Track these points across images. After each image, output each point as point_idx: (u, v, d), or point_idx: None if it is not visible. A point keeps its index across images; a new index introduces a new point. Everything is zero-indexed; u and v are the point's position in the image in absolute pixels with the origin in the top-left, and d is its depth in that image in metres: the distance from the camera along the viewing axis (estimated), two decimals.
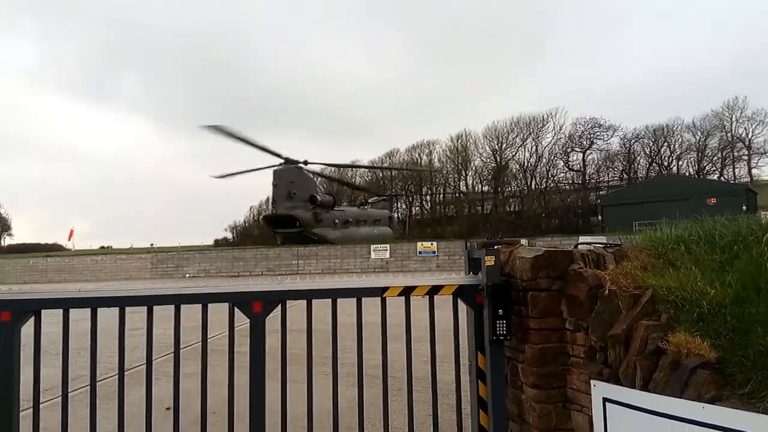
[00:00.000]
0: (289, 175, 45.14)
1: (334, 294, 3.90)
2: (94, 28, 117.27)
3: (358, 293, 3.90)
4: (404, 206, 76.64)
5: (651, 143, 66.82)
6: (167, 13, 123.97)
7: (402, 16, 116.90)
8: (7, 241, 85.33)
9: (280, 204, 44.59)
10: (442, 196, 75.61)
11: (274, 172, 45.24)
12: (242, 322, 3.75)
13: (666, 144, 66.25)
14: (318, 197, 46.39)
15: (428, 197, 76.99)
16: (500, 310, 3.64)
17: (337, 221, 47.73)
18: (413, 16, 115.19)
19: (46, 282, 39.44)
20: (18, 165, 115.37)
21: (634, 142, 67.26)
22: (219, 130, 39.61)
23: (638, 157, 68.37)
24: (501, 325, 3.63)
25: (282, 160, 45.39)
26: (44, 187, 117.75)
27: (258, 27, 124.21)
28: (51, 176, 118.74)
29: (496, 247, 3.98)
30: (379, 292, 3.88)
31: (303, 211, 44.53)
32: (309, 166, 47.73)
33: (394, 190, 71.80)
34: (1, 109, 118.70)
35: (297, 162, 46.16)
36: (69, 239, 56.76)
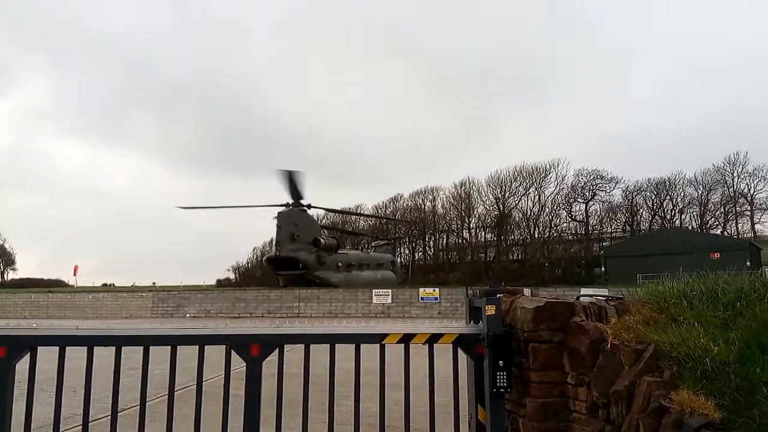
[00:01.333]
0: (293, 218, 45.35)
1: (332, 339, 3.86)
2: (103, 67, 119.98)
3: (357, 339, 3.86)
4: (407, 251, 76.56)
5: (653, 196, 67.05)
6: (179, 53, 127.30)
7: (412, 63, 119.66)
8: (11, 275, 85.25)
9: (284, 246, 44.61)
10: (445, 242, 75.60)
11: (279, 214, 45.49)
12: (239, 365, 3.70)
13: (668, 197, 66.47)
14: (321, 240, 46.44)
15: (431, 243, 76.98)
16: (501, 362, 3.59)
17: (340, 264, 47.60)
18: (418, 62, 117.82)
19: (46, 318, 39.14)
20: (23, 200, 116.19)
21: (636, 195, 67.53)
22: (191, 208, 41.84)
23: (641, 210, 68.51)
24: (501, 377, 3.57)
25: (288, 205, 45.80)
26: (49, 223, 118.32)
27: (268, 68, 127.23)
28: (56, 212, 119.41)
29: (497, 296, 3.96)
30: (378, 338, 3.84)
31: (306, 253, 44.50)
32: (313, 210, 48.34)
33: (397, 235, 71.89)
34: (9, 144, 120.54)
35: (301, 205, 46.46)
36: (74, 275, 56.70)
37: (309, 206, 47.18)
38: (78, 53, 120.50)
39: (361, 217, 76.44)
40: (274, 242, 48.66)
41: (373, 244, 61.94)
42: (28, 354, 3.63)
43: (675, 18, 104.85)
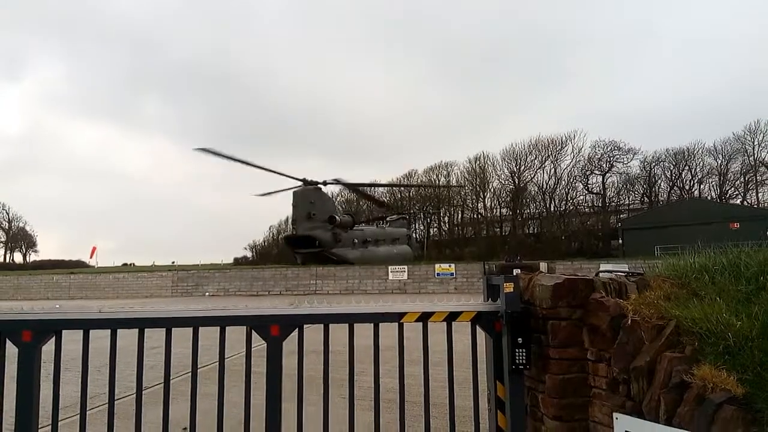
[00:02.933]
0: (309, 196, 45.51)
1: (351, 319, 3.88)
2: (120, 51, 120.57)
3: (376, 318, 3.88)
4: (422, 227, 76.48)
5: (672, 167, 66.00)
6: (192, 36, 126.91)
7: (423, 37, 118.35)
8: (33, 257, 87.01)
9: (300, 224, 44.88)
10: (460, 217, 75.35)
11: (294, 193, 45.69)
12: (259, 341, 3.76)
13: (687, 167, 65.41)
14: (337, 218, 46.60)
15: (446, 218, 76.82)
16: (520, 339, 3.59)
17: (356, 241, 47.83)
18: (434, 37, 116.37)
19: (68, 299, 39.95)
20: (45, 183, 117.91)
21: (654, 166, 66.52)
22: (209, 151, 41.09)
23: (659, 181, 67.57)
24: (520, 354, 3.58)
25: (301, 182, 45.86)
26: (70, 205, 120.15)
27: (280, 51, 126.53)
28: (76, 194, 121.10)
29: (515, 272, 3.94)
30: (397, 317, 3.85)
31: (322, 231, 44.74)
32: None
33: (412, 211, 71.77)
34: (28, 127, 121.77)
35: (316, 183, 46.53)
36: (91, 257, 57.63)
37: (324, 183, 47.23)
38: (91, 37, 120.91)
39: (377, 193, 76.38)
40: (290, 221, 48.92)
41: (387, 218, 61.94)
42: (53, 337, 3.71)
43: None
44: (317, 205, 45.65)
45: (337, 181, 49.81)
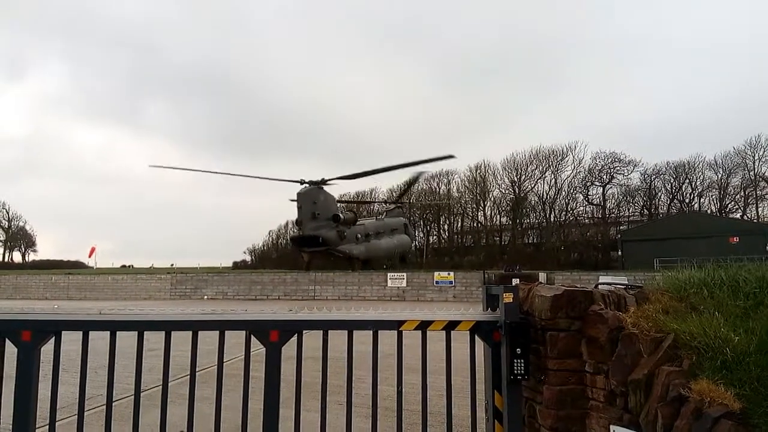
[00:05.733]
0: (312, 197, 45.60)
1: (350, 326, 3.89)
2: (120, 53, 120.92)
3: (375, 325, 3.89)
4: (422, 234, 76.45)
5: (672, 179, 66.08)
6: (194, 40, 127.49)
7: (423, 48, 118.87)
8: (32, 257, 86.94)
9: (306, 225, 44.93)
10: (459, 225, 75.33)
11: (298, 194, 45.70)
12: (257, 346, 3.77)
13: (687, 181, 65.49)
14: (341, 215, 46.72)
15: (446, 226, 76.80)
16: (518, 349, 3.60)
17: (359, 236, 47.97)
18: (434, 46, 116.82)
19: (66, 299, 39.88)
20: (45, 183, 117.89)
21: (654, 178, 66.54)
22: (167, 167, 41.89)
23: (659, 193, 67.58)
24: (519, 365, 3.58)
25: (302, 182, 45.91)
26: (69, 206, 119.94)
27: (280, 55, 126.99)
28: (77, 195, 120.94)
29: (514, 283, 3.95)
30: (396, 325, 3.86)
31: (327, 230, 44.82)
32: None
33: (411, 219, 71.86)
34: (30, 128, 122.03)
35: (317, 183, 46.56)
36: (90, 256, 57.60)
37: (323, 181, 47.14)
38: (94, 40, 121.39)
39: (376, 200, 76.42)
40: (295, 221, 48.99)
41: (384, 209, 62.15)
42: (53, 337, 3.72)
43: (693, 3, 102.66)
44: (320, 205, 45.73)
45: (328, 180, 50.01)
